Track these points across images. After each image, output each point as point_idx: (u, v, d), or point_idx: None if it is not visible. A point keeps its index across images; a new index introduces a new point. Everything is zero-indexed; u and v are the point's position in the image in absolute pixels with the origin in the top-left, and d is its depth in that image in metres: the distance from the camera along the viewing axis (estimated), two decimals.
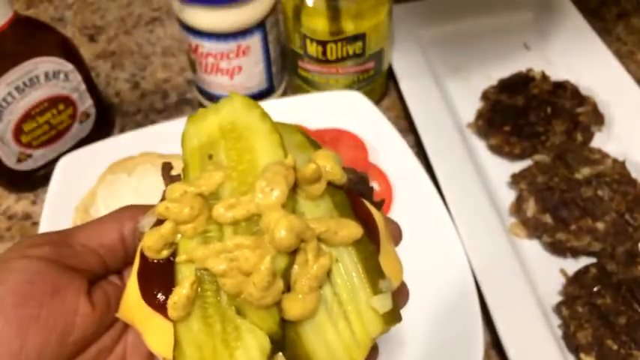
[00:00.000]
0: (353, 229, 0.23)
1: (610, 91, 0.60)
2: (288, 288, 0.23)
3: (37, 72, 0.50)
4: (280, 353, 0.23)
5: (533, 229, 0.50)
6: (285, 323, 0.23)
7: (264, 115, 0.25)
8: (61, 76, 0.53)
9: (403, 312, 0.41)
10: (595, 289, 0.45)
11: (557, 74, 0.62)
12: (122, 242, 0.27)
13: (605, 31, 0.68)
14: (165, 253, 0.24)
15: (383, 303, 0.23)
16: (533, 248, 0.50)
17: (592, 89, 0.60)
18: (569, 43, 0.65)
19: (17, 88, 0.50)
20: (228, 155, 0.25)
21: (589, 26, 0.65)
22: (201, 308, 0.23)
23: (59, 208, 0.49)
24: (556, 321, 0.46)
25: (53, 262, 0.25)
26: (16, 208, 0.57)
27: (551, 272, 0.49)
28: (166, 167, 0.28)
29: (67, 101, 0.54)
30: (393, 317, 0.23)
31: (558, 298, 0.47)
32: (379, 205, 0.28)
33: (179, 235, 0.24)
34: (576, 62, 0.63)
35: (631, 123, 0.58)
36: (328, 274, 0.23)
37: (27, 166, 0.55)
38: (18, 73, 0.49)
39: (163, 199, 0.25)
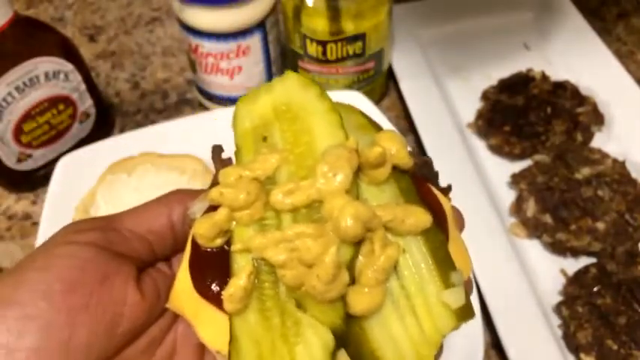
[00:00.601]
0: (421, 217, 0.22)
1: (610, 91, 0.60)
2: (352, 280, 0.21)
3: (37, 72, 0.50)
4: (343, 349, 0.21)
5: (533, 229, 0.50)
6: (348, 318, 0.21)
7: (322, 94, 0.23)
8: (61, 76, 0.53)
9: None
10: (595, 289, 0.45)
11: (557, 74, 0.62)
12: (171, 228, 0.26)
13: (605, 31, 0.68)
14: (219, 242, 0.22)
15: (455, 297, 0.21)
16: (533, 248, 0.50)
17: (592, 89, 0.60)
18: (569, 43, 0.65)
19: (17, 88, 0.50)
20: (283, 137, 0.23)
21: (589, 26, 0.65)
22: (258, 300, 0.21)
23: (59, 208, 0.49)
24: (556, 321, 0.46)
25: (101, 248, 0.24)
26: (16, 208, 0.57)
27: (551, 272, 0.49)
28: (217, 150, 0.25)
29: (67, 101, 0.54)
30: (466, 313, 0.21)
31: (558, 298, 0.47)
32: (446, 191, 0.25)
33: (234, 223, 0.22)
34: (576, 62, 0.63)
35: (631, 123, 0.58)
36: (395, 265, 0.22)
37: (27, 166, 0.55)
38: (18, 73, 0.49)
39: (215, 183, 0.23)
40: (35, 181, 0.57)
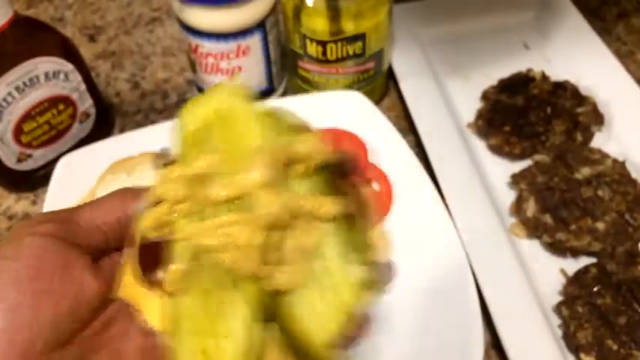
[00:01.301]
0: (338, 206, 0.25)
1: (610, 91, 0.60)
2: (279, 261, 0.24)
3: (37, 72, 0.50)
4: (274, 322, 0.24)
5: (533, 229, 0.50)
6: (277, 294, 0.24)
7: (254, 100, 0.27)
8: (61, 76, 0.53)
9: (405, 310, 0.41)
10: (595, 289, 0.45)
11: (557, 74, 0.62)
12: (124, 221, 0.28)
13: (605, 31, 0.68)
14: (161, 233, 0.25)
15: (363, 273, 0.24)
16: (533, 248, 0.50)
17: (592, 89, 0.60)
18: (569, 43, 0.65)
19: (17, 88, 0.50)
20: (221, 139, 0.26)
21: (589, 26, 0.65)
22: (197, 282, 0.24)
23: (59, 208, 0.49)
24: (556, 321, 0.46)
25: (60, 239, 0.26)
26: (16, 208, 0.57)
27: (551, 272, 0.49)
28: (162, 154, 0.30)
29: (67, 101, 0.54)
30: (372, 286, 0.25)
31: (558, 298, 0.47)
32: (367, 182, 0.29)
33: (175, 215, 0.25)
34: (576, 62, 0.63)
35: (631, 123, 0.58)
36: (317, 247, 0.24)
37: (27, 166, 0.55)
38: (18, 73, 0.49)
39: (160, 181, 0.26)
40: (35, 181, 0.57)
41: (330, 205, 0.25)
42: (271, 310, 0.24)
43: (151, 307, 0.26)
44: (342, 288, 0.24)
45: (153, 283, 0.25)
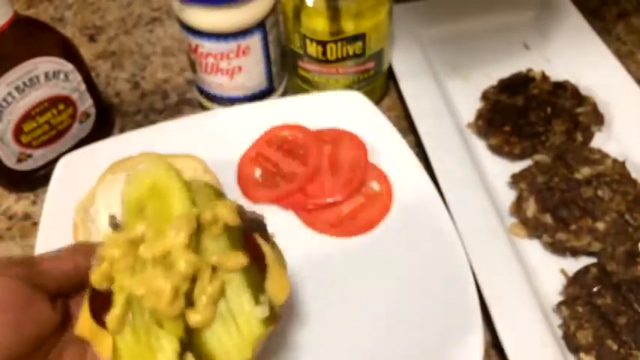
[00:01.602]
0: (240, 259, 0.31)
1: (610, 91, 0.60)
2: (193, 304, 0.30)
3: (37, 72, 0.50)
4: (190, 353, 0.30)
5: (533, 229, 0.50)
6: (191, 331, 0.30)
7: (178, 175, 0.34)
8: (61, 76, 0.53)
9: (405, 310, 0.42)
10: (595, 289, 0.45)
11: (557, 74, 0.62)
12: (76, 271, 0.34)
13: (605, 31, 0.68)
14: (105, 284, 0.32)
15: (262, 311, 0.31)
16: (533, 248, 0.50)
17: (592, 89, 0.60)
18: (569, 42, 0.65)
19: (17, 88, 0.50)
20: (152, 208, 0.33)
21: (589, 26, 0.65)
22: (131, 323, 0.30)
23: (59, 208, 0.49)
24: (556, 321, 0.46)
25: (24, 280, 0.32)
26: (16, 208, 0.57)
27: (551, 272, 0.49)
28: (112, 219, 0.37)
29: (67, 101, 0.54)
30: (270, 322, 0.31)
31: (558, 298, 0.47)
32: (269, 238, 0.36)
33: (115, 270, 0.31)
34: (576, 62, 0.63)
35: (631, 123, 0.58)
36: (223, 292, 0.31)
37: (27, 166, 0.55)
38: (18, 73, 0.49)
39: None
40: (35, 181, 0.57)
41: (235, 259, 0.31)
42: (187, 343, 0.30)
43: (101, 341, 0.32)
44: (242, 324, 0.30)
45: (101, 323, 0.31)
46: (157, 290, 0.29)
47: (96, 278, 0.32)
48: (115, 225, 0.36)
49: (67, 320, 0.34)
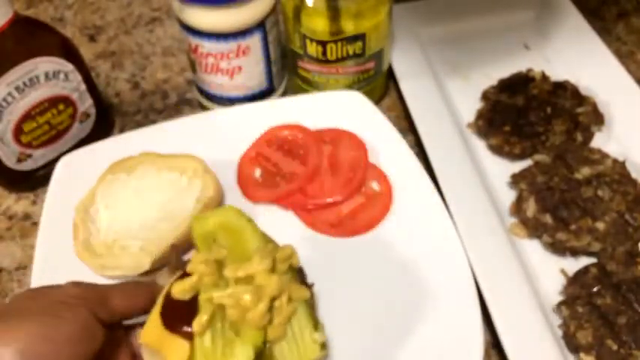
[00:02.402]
0: (305, 292, 0.37)
1: (610, 91, 0.60)
2: (270, 320, 0.35)
3: (37, 72, 0.50)
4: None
5: (533, 229, 0.50)
6: (264, 342, 0.35)
7: (250, 219, 0.40)
8: (61, 76, 0.53)
9: (405, 310, 0.42)
10: (595, 289, 0.45)
11: (557, 74, 0.62)
12: (135, 308, 0.39)
13: (605, 31, 0.68)
14: (189, 295, 0.36)
15: (320, 336, 0.36)
16: (533, 248, 0.50)
17: (592, 89, 0.60)
18: (569, 42, 0.65)
19: (17, 88, 0.50)
20: (226, 240, 0.39)
21: (589, 26, 0.65)
22: (211, 330, 0.35)
23: (59, 208, 0.49)
24: (556, 321, 0.46)
25: (95, 314, 0.35)
26: (16, 208, 0.57)
27: (551, 272, 0.49)
28: (176, 247, 0.46)
29: (67, 101, 0.54)
30: (325, 346, 0.37)
31: (558, 298, 0.47)
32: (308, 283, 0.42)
33: (202, 283, 0.36)
34: (576, 62, 0.63)
35: (631, 123, 0.58)
36: (292, 315, 0.36)
37: (27, 166, 0.55)
38: (18, 73, 0.49)
39: (186, 263, 0.38)
40: (35, 181, 0.57)
41: (301, 291, 0.37)
42: (260, 352, 0.35)
43: (172, 348, 0.35)
44: (303, 346, 0.36)
45: (177, 331, 0.35)
46: (245, 304, 0.35)
47: (182, 289, 0.36)
48: (176, 252, 0.46)
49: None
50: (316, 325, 0.37)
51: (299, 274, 0.40)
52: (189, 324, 0.35)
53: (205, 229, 0.40)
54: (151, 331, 0.36)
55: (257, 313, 0.34)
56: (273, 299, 0.36)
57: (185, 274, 0.37)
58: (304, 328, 0.36)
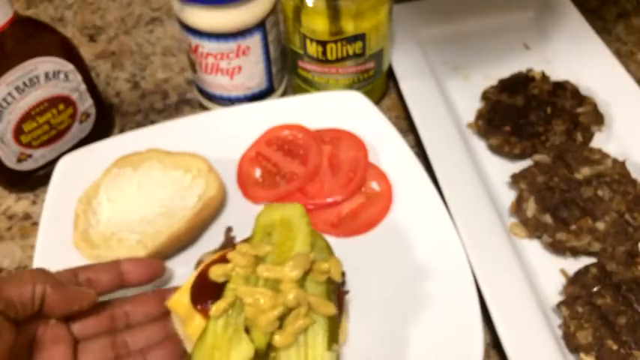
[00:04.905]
0: (330, 309, 0.37)
1: (610, 91, 0.60)
2: (281, 325, 0.36)
3: (37, 72, 0.50)
4: None
5: (533, 229, 0.50)
6: (270, 346, 0.36)
7: (309, 223, 0.40)
8: (61, 76, 0.53)
9: (405, 310, 0.41)
10: (595, 289, 0.45)
11: (557, 74, 0.62)
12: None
13: (605, 31, 0.69)
14: (221, 279, 0.38)
15: (331, 356, 0.36)
16: (533, 248, 0.50)
17: (592, 89, 0.60)
18: (569, 42, 0.65)
19: (17, 88, 0.50)
20: (278, 237, 0.40)
21: (589, 26, 0.65)
22: (226, 317, 0.37)
23: (59, 208, 0.49)
24: (556, 321, 0.46)
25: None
26: (16, 208, 0.57)
27: (551, 272, 0.49)
28: (229, 229, 0.49)
29: (67, 101, 0.54)
30: None
31: (558, 298, 0.47)
32: (344, 294, 0.44)
33: (234, 273, 0.38)
34: (576, 62, 0.63)
35: (631, 123, 0.58)
36: (307, 327, 0.36)
37: (27, 166, 0.55)
38: (18, 73, 0.49)
39: (233, 248, 0.40)
40: (35, 181, 0.57)
41: (327, 307, 0.37)
42: (262, 354, 0.35)
43: (192, 322, 0.38)
44: (311, 358, 0.36)
45: (199, 308, 0.38)
46: (261, 307, 0.36)
47: (218, 272, 0.38)
48: (228, 233, 0.49)
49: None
50: (331, 344, 0.37)
51: (338, 287, 0.41)
52: (210, 305, 0.37)
53: (269, 219, 0.41)
54: (180, 300, 0.39)
55: (267, 318, 0.35)
56: (290, 309, 0.36)
57: (224, 258, 0.39)
58: (318, 344, 0.36)
